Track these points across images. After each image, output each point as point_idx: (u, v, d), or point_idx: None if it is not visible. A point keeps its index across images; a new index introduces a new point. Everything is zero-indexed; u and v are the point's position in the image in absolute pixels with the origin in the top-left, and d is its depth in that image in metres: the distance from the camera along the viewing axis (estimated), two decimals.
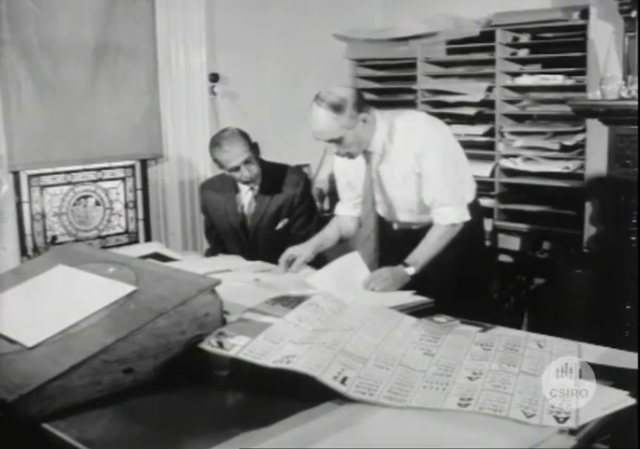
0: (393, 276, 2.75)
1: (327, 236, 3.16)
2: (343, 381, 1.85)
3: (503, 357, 2.00)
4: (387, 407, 1.77)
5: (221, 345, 2.00)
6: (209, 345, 1.98)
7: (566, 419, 1.68)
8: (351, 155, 2.90)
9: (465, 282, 3.00)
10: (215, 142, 3.53)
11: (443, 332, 2.19)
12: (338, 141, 2.80)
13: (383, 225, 3.10)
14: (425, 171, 2.87)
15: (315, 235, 3.19)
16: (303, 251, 3.02)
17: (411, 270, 2.80)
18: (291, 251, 3.02)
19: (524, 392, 1.80)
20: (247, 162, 3.47)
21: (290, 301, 2.28)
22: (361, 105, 2.82)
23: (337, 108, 2.74)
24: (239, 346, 1.98)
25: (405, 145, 2.87)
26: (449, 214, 2.89)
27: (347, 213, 3.18)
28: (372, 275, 2.76)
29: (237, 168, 3.48)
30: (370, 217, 3.03)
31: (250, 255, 3.45)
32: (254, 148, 3.54)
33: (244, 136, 3.53)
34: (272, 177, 3.62)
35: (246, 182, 3.56)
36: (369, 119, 2.84)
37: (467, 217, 2.91)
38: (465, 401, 1.79)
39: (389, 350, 2.02)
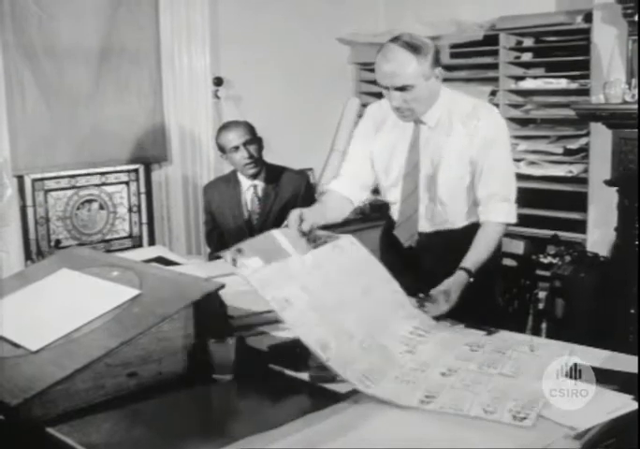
0: (456, 291, 2.42)
1: (332, 210, 2.75)
2: (324, 348, 1.86)
3: (487, 359, 2.00)
4: (392, 409, 1.77)
5: (234, 262, 2.00)
6: (226, 260, 2.01)
7: (523, 419, 1.68)
8: (410, 114, 2.56)
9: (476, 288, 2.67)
10: (222, 126, 3.75)
11: (439, 329, 2.18)
12: (408, 90, 2.46)
13: (390, 244, 2.83)
14: (492, 160, 2.58)
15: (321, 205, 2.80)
16: (308, 216, 2.50)
17: (470, 279, 2.46)
18: (299, 212, 2.51)
19: (493, 391, 1.80)
20: (247, 143, 3.59)
21: (317, 239, 2.28)
22: (439, 58, 2.52)
23: (418, 49, 2.43)
24: (250, 268, 1.98)
25: (467, 128, 2.58)
26: (507, 211, 2.62)
27: (346, 193, 2.79)
28: (437, 297, 2.38)
29: (236, 149, 3.59)
30: (414, 193, 2.69)
31: None
32: (257, 137, 3.67)
33: (249, 125, 3.69)
34: (274, 175, 3.71)
35: (245, 166, 3.62)
36: (440, 79, 2.55)
37: (515, 219, 2.66)
38: (429, 399, 1.79)
39: (377, 335, 2.03)
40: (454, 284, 2.43)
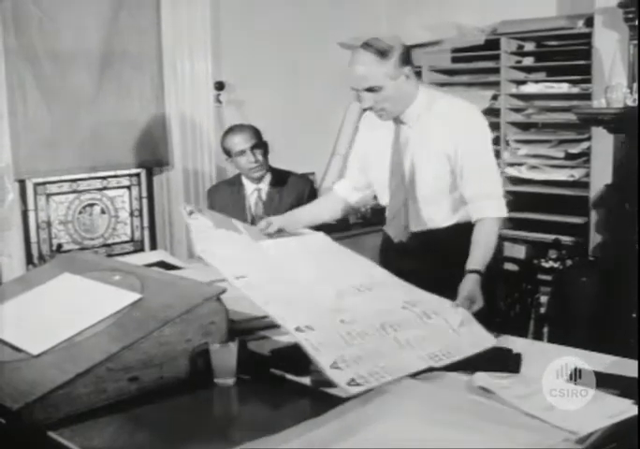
0: (478, 293, 2.44)
1: (310, 211, 2.95)
2: (239, 278, 2.07)
3: (402, 319, 2.09)
4: (394, 413, 1.77)
5: (190, 213, 2.28)
6: (183, 208, 2.29)
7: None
8: (384, 113, 2.64)
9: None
10: (228, 130, 3.76)
11: (388, 289, 2.27)
12: (377, 91, 2.56)
13: (386, 247, 2.91)
14: (475, 159, 2.63)
15: (302, 208, 3.01)
16: (276, 220, 2.75)
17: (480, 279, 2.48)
18: (268, 220, 2.74)
19: (355, 350, 1.91)
20: (253, 148, 3.61)
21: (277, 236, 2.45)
22: (407, 58, 2.61)
23: (383, 53, 2.54)
24: (198, 221, 2.24)
25: (445, 125, 2.64)
26: (498, 206, 2.65)
27: (342, 194, 2.94)
28: (462, 305, 2.36)
29: (243, 152, 3.61)
30: (399, 190, 2.75)
31: None
32: (263, 142, 3.70)
33: (255, 129, 3.71)
34: (279, 179, 3.73)
35: (250, 171, 3.65)
36: (412, 78, 2.63)
37: (506, 213, 2.70)
38: (306, 328, 1.94)
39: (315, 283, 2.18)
40: (474, 288, 2.43)
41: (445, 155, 2.65)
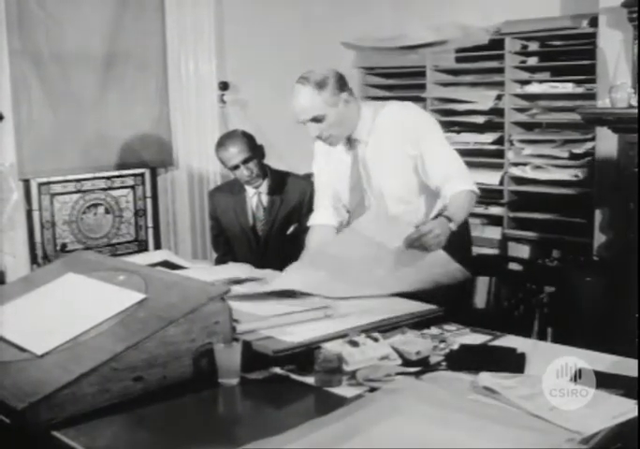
0: (444, 233, 2.53)
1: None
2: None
3: None
4: (398, 413, 1.77)
5: None
6: None
7: None
8: (332, 139, 2.82)
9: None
10: (219, 142, 3.70)
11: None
12: (320, 120, 2.74)
13: None
14: (428, 148, 2.77)
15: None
16: None
17: (453, 226, 2.58)
18: None
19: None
20: (245, 162, 3.58)
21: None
22: (343, 84, 2.78)
23: (319, 84, 2.73)
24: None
25: (395, 129, 2.80)
26: (469, 182, 2.74)
27: (327, 222, 3.06)
28: (422, 232, 2.49)
29: (236, 167, 3.60)
30: (360, 207, 2.92)
31: (260, 260, 3.48)
32: (256, 150, 3.65)
33: (247, 137, 3.66)
34: (279, 181, 3.71)
35: (246, 182, 3.66)
36: (351, 101, 2.80)
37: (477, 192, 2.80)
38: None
39: None
40: (440, 228, 2.52)
41: (406, 156, 2.80)
